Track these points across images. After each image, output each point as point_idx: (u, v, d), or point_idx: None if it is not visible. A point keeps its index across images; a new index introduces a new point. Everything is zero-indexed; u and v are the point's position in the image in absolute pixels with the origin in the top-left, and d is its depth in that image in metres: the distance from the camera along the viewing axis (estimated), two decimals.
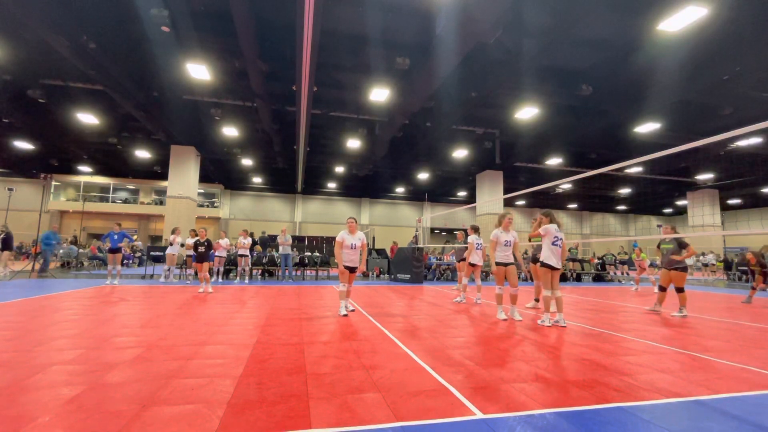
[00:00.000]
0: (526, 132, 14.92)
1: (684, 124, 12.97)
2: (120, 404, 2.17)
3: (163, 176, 22.45)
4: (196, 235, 8.25)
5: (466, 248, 7.19)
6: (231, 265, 11.65)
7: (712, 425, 2.09)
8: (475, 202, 19.05)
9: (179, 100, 12.62)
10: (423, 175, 22.17)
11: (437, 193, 28.32)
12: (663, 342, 4.15)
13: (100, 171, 24.75)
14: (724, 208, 26.77)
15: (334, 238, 5.52)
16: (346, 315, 5.29)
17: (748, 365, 3.29)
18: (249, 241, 10.67)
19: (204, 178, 21.49)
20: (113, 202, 26.77)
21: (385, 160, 18.05)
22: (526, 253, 8.30)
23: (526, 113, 12.08)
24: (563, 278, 13.52)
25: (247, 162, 20.23)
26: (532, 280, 7.20)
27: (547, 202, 30.91)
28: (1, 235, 10.48)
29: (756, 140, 13.93)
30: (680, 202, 27.46)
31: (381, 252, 15.73)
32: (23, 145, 17.85)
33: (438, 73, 9.08)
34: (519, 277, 7.31)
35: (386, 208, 31.56)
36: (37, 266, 10.95)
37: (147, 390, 2.38)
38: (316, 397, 2.34)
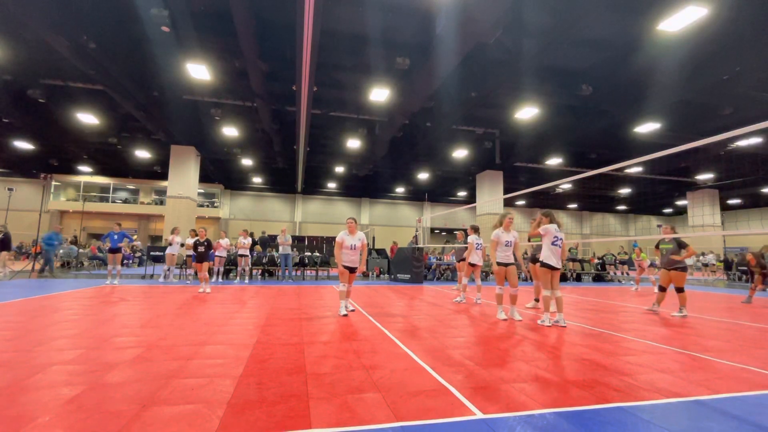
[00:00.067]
0: (526, 132, 14.91)
1: (684, 124, 12.97)
2: (120, 404, 2.17)
3: (163, 176, 22.45)
4: (196, 235, 8.25)
5: (466, 248, 7.20)
6: (231, 265, 11.65)
7: (712, 425, 2.09)
8: (475, 202, 19.05)
9: (179, 100, 12.62)
10: (423, 175, 22.17)
11: (437, 193, 28.32)
12: (663, 342, 4.15)
13: (100, 171, 24.76)
14: (724, 208, 26.77)
15: (334, 238, 5.52)
16: (346, 315, 5.29)
17: (748, 365, 3.29)
18: (249, 241, 10.68)
19: (204, 178, 21.49)
20: (113, 202, 26.78)
21: (385, 160, 18.05)
22: (525, 253, 8.29)
23: (526, 113, 12.08)
24: (563, 278, 13.52)
25: (247, 162, 20.22)
26: (532, 280, 7.20)
27: (547, 202, 30.90)
28: (0, 236, 10.48)
29: (756, 140, 13.93)
30: (680, 202, 27.46)
31: (381, 252, 15.73)
32: (23, 145, 17.85)
33: (438, 73, 9.08)
34: (519, 278, 7.31)
35: (386, 208, 31.56)
36: (38, 266, 10.95)
37: (147, 390, 2.38)
38: (316, 397, 2.34)
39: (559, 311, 4.98)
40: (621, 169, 18.53)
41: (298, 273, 13.01)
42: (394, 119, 12.67)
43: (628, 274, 15.00)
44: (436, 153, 17.23)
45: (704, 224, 22.10)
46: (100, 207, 25.77)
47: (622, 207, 32.65)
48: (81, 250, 15.26)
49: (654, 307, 6.46)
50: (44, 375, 2.62)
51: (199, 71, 9.67)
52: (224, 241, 10.48)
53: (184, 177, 16.07)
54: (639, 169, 19.16)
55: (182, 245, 10.41)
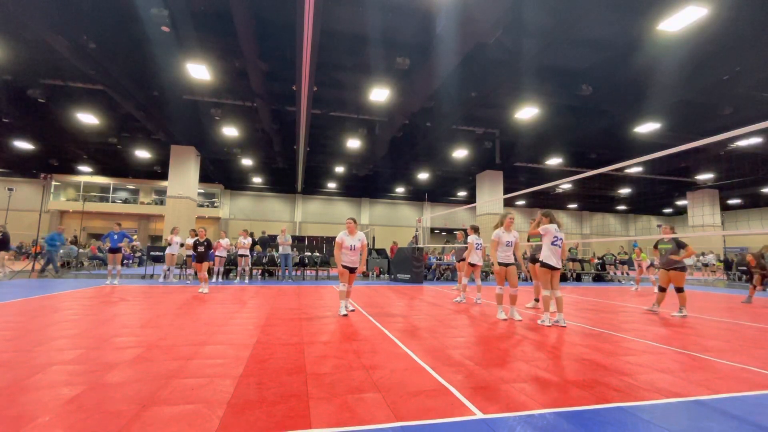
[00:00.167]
0: (526, 132, 14.91)
1: (684, 124, 12.97)
2: (120, 404, 2.17)
3: (163, 176, 22.44)
4: (196, 235, 8.24)
5: (466, 248, 7.20)
6: (231, 265, 11.65)
7: (712, 425, 2.09)
8: (475, 202, 19.05)
9: (179, 100, 12.61)
10: (423, 175, 22.17)
11: (437, 193, 28.32)
12: (663, 342, 4.15)
13: (100, 171, 24.75)
14: (724, 208, 26.77)
15: (334, 238, 5.52)
16: (346, 315, 5.29)
17: (748, 365, 3.29)
18: (249, 241, 10.68)
19: (204, 178, 21.48)
20: (113, 202, 26.77)
21: (385, 160, 18.04)
22: (525, 253, 8.29)
23: (526, 113, 12.07)
24: (563, 278, 13.52)
25: (247, 162, 20.22)
26: (532, 281, 7.20)
27: (547, 202, 30.90)
28: None
29: (756, 140, 13.93)
30: (680, 202, 27.46)
31: (381, 252, 15.73)
32: (23, 145, 17.84)
33: (438, 73, 9.08)
34: (519, 278, 7.31)
35: (386, 208, 31.56)
36: (38, 266, 10.95)
37: (147, 390, 2.38)
38: (316, 397, 2.34)
39: (559, 311, 4.98)
40: (621, 169, 18.53)
41: (298, 273, 13.02)
42: (394, 119, 12.67)
43: (628, 274, 15.00)
44: (436, 153, 17.23)
45: (704, 224, 22.10)
46: (100, 207, 25.77)
47: (622, 207, 32.64)
48: (81, 250, 15.26)
49: (654, 307, 6.46)
50: (44, 375, 2.62)
51: (199, 71, 9.67)
52: (224, 241, 10.48)
53: (184, 177, 16.07)
54: (639, 169, 19.16)
55: (182, 245, 10.41)
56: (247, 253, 10.66)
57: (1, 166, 23.02)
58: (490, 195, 18.33)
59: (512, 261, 5.52)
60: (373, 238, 24.61)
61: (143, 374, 2.68)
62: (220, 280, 10.42)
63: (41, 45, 8.99)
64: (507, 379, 2.76)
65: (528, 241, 6.63)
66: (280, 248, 11.54)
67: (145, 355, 3.15)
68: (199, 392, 2.37)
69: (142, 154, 18.76)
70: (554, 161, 18.10)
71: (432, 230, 32.35)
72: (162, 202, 25.76)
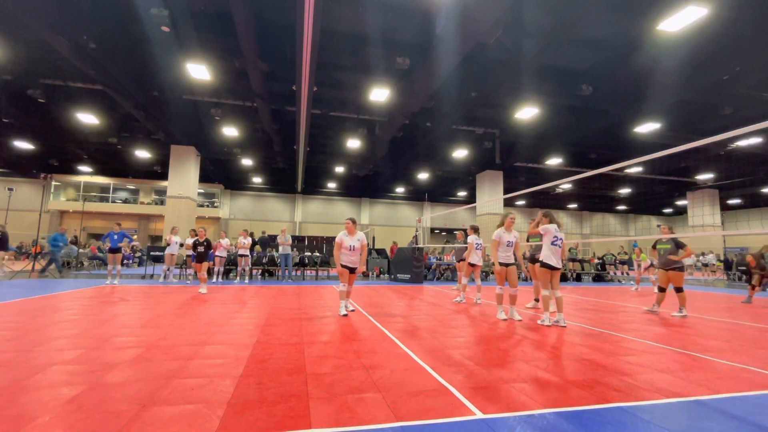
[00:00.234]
0: (526, 132, 14.91)
1: (684, 124, 12.96)
2: (120, 404, 2.17)
3: (163, 176, 22.44)
4: (196, 235, 8.24)
5: (466, 248, 7.20)
6: (231, 265, 11.65)
7: (712, 425, 2.09)
8: (475, 202, 19.05)
9: (179, 100, 12.62)
10: (423, 175, 22.17)
11: (437, 193, 28.32)
12: (663, 342, 4.16)
13: (100, 171, 24.75)
14: (724, 208, 26.76)
15: (334, 238, 5.52)
16: (346, 315, 5.29)
17: (748, 365, 3.29)
18: (249, 241, 10.68)
19: (204, 178, 21.48)
20: (113, 202, 26.77)
21: (385, 160, 18.04)
22: (524, 253, 8.30)
23: (526, 113, 12.07)
24: (563, 278, 13.52)
25: (247, 162, 20.22)
26: (531, 281, 7.21)
27: (547, 202, 30.89)
28: None
29: (756, 140, 13.93)
30: (680, 202, 27.46)
31: (381, 252, 15.73)
32: (23, 145, 17.84)
33: (438, 73, 9.08)
34: (519, 278, 7.31)
35: (386, 208, 31.56)
36: (38, 266, 10.95)
37: (147, 390, 2.38)
38: (316, 397, 2.34)
39: (559, 311, 4.98)
40: (621, 169, 18.53)
41: (298, 273, 13.02)
42: (394, 119, 12.67)
43: (628, 274, 15.00)
44: (436, 153, 17.23)
45: (704, 224, 22.10)
46: (100, 207, 25.77)
47: (622, 207, 32.64)
48: (81, 250, 15.27)
49: (654, 307, 6.46)
50: (44, 375, 2.62)
51: (199, 71, 9.67)
52: (224, 241, 10.48)
53: (184, 177, 16.07)
54: (639, 169, 19.15)
55: (181, 245, 10.42)
56: (247, 253, 10.66)
57: (1, 166, 23.01)
58: (490, 195, 18.33)
59: (512, 261, 5.52)
60: (373, 238, 24.61)
61: (143, 374, 2.68)
62: (220, 280, 10.42)
63: (41, 45, 8.99)
64: (507, 379, 2.76)
65: (527, 241, 6.64)
66: (280, 248, 11.54)
67: (145, 355, 3.15)
68: (199, 392, 2.37)
69: (142, 154, 18.76)
70: (554, 161, 18.10)
71: (432, 230, 32.35)
72: (162, 202, 25.76)
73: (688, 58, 8.98)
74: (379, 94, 10.85)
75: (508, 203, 30.17)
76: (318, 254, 13.91)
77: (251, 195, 29.57)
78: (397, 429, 1.95)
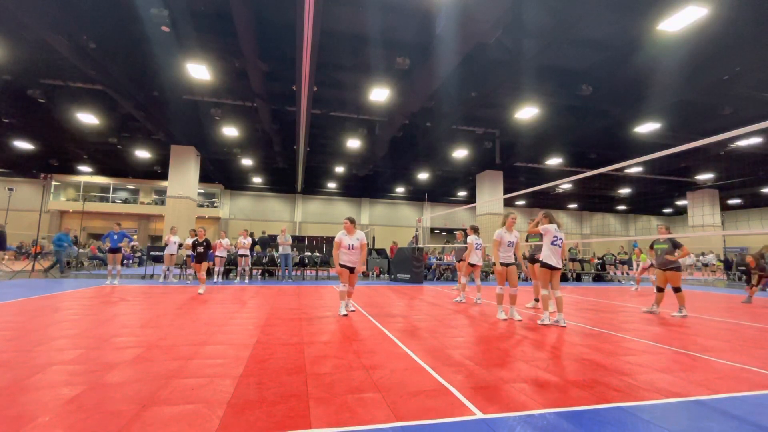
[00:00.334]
0: (526, 132, 14.91)
1: (684, 124, 12.96)
2: (120, 404, 2.17)
3: (163, 176, 22.44)
4: (196, 235, 8.22)
5: (466, 248, 7.20)
6: (231, 265, 11.65)
7: (712, 425, 2.09)
8: (475, 202, 19.04)
9: (179, 100, 12.61)
10: (423, 175, 22.17)
11: (437, 193, 28.31)
12: (663, 342, 4.16)
13: (100, 171, 24.75)
14: (724, 208, 26.76)
15: (334, 238, 5.53)
16: (346, 315, 5.29)
17: (748, 365, 3.29)
18: (249, 241, 10.68)
19: (204, 178, 21.47)
20: (113, 202, 26.77)
21: (385, 160, 18.04)
22: (524, 254, 8.30)
23: (526, 113, 12.07)
24: (563, 278, 13.53)
25: (247, 162, 20.22)
26: (530, 280, 7.21)
27: (547, 202, 30.88)
28: None
29: (756, 140, 13.92)
30: (680, 202, 27.46)
31: (381, 252, 15.73)
32: (23, 145, 17.83)
33: (438, 73, 9.08)
34: (519, 277, 7.32)
35: (386, 208, 31.56)
36: (38, 266, 10.95)
37: (147, 390, 2.38)
38: (316, 397, 2.34)
39: (559, 311, 4.98)
40: (621, 169, 18.53)
41: (298, 273, 13.02)
42: (394, 119, 12.67)
43: (628, 274, 15.00)
44: (436, 153, 17.22)
45: (704, 224, 22.10)
46: (100, 207, 25.76)
47: (622, 207, 32.64)
48: (81, 250, 15.26)
49: (653, 308, 6.46)
50: (44, 375, 2.62)
51: (199, 71, 9.66)
52: (225, 241, 10.48)
53: (184, 177, 16.07)
54: (639, 169, 19.15)
55: (180, 246, 10.42)
56: (247, 253, 10.66)
57: (1, 166, 23.01)
58: (490, 195, 18.33)
59: (513, 261, 5.52)
60: (373, 238, 24.61)
61: (143, 374, 2.68)
62: (220, 280, 10.42)
63: (41, 45, 8.99)
64: (507, 379, 2.76)
65: (527, 240, 6.64)
66: (280, 248, 11.54)
67: (145, 355, 3.15)
68: (199, 392, 2.37)
69: (142, 154, 18.76)
70: (554, 161, 18.10)
71: (432, 230, 32.35)
72: (162, 202, 25.76)
73: (688, 58, 8.98)
74: (379, 94, 10.85)
75: (508, 203, 30.17)
76: (318, 254, 13.91)
77: (251, 195, 29.57)
78: (397, 429, 1.95)
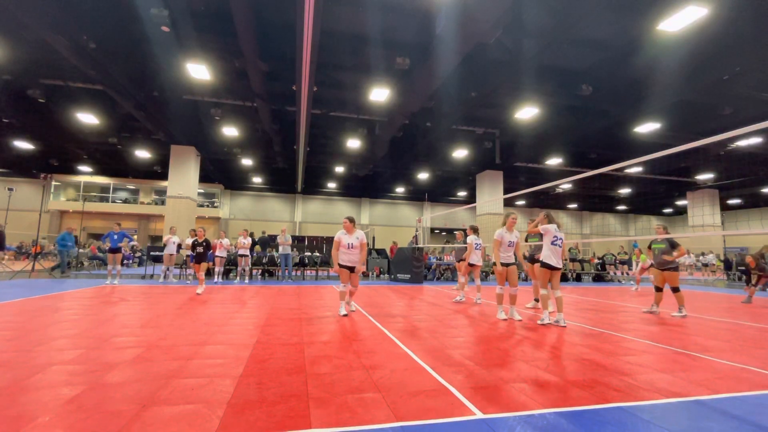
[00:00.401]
0: (526, 132, 14.91)
1: (684, 124, 12.96)
2: (120, 404, 2.17)
3: (163, 176, 22.44)
4: (195, 235, 8.20)
5: (466, 248, 7.20)
6: (231, 265, 11.65)
7: (712, 425, 2.09)
8: (475, 202, 19.05)
9: (179, 100, 12.61)
10: (423, 175, 22.17)
11: (437, 193, 28.31)
12: (663, 342, 4.15)
13: (100, 171, 24.75)
14: (724, 208, 26.76)
15: (333, 238, 5.52)
16: (346, 315, 5.29)
17: (748, 365, 3.29)
18: (249, 241, 10.67)
19: (204, 178, 21.47)
20: (113, 202, 26.77)
21: (385, 160, 18.03)
22: (524, 254, 8.30)
23: (526, 113, 12.07)
24: (563, 278, 13.53)
25: (247, 162, 20.21)
26: (530, 280, 7.21)
27: (547, 202, 30.88)
28: None
29: (756, 140, 13.92)
30: (680, 202, 27.46)
31: (381, 252, 15.73)
32: (23, 145, 17.84)
33: (438, 73, 9.08)
34: (519, 277, 7.32)
35: (386, 208, 31.56)
36: (38, 266, 10.95)
37: (147, 390, 2.38)
38: (316, 397, 2.34)
39: (559, 311, 4.98)
40: (621, 169, 18.53)
41: (298, 273, 13.01)
42: (394, 119, 12.67)
43: (628, 274, 15.00)
44: (436, 153, 17.22)
45: (704, 224, 22.10)
46: (100, 207, 25.77)
47: (622, 207, 32.64)
48: (81, 250, 15.26)
49: (653, 308, 6.46)
50: (44, 375, 2.62)
51: (199, 71, 9.66)
52: (225, 241, 10.47)
53: (184, 177, 16.06)
54: (639, 169, 19.15)
55: (179, 246, 10.42)
56: (247, 253, 10.66)
57: (1, 166, 23.01)
58: (490, 195, 18.33)
59: (513, 261, 5.52)
60: (373, 238, 24.61)
61: (143, 374, 2.68)
62: (220, 280, 10.42)
63: (41, 45, 8.99)
64: (507, 379, 2.76)
65: (526, 240, 6.63)
66: (280, 248, 11.54)
67: (145, 355, 3.15)
68: (199, 392, 2.37)
69: (142, 154, 18.76)
70: (554, 161, 18.10)
71: (432, 230, 32.35)
72: (162, 202, 25.76)
73: (688, 58, 8.98)
74: (379, 94, 10.85)
75: (508, 203, 30.17)
76: (318, 254, 13.91)
77: (251, 195, 29.57)
78: (397, 429, 1.95)
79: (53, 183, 25.50)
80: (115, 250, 9.24)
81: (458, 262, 8.13)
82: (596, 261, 15.51)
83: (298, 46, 7.81)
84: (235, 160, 20.07)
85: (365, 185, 26.95)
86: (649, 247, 6.69)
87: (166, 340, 3.67)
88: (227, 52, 9.50)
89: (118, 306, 5.77)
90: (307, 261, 13.10)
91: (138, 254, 17.78)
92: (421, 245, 11.87)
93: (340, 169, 21.68)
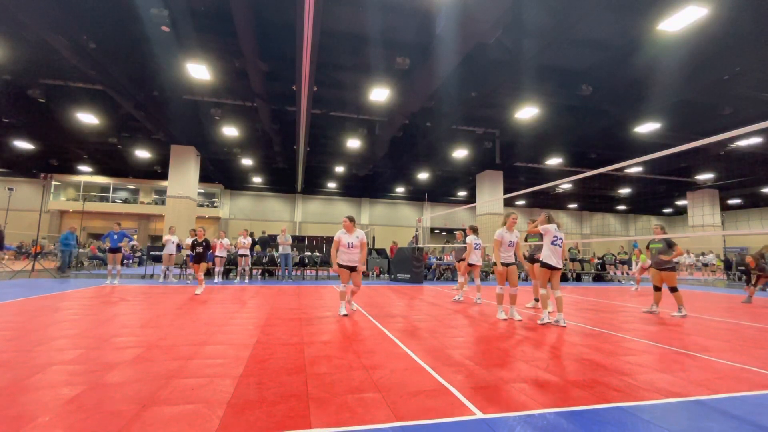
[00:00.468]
0: (526, 132, 14.91)
1: (684, 124, 12.96)
2: (120, 404, 2.17)
3: (163, 176, 22.44)
4: (195, 235, 8.18)
5: (465, 248, 7.20)
6: (231, 265, 11.65)
7: (712, 425, 2.09)
8: (475, 202, 19.04)
9: (179, 100, 12.61)
10: (423, 175, 22.17)
11: (437, 193, 28.32)
12: (663, 342, 4.15)
13: (100, 171, 24.75)
14: (724, 208, 26.76)
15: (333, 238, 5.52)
16: (346, 315, 5.28)
17: (748, 365, 3.29)
18: (249, 240, 10.67)
19: (204, 178, 21.47)
20: (113, 201, 26.77)
21: (385, 160, 18.04)
22: (524, 254, 8.30)
23: (526, 113, 12.07)
24: (563, 278, 13.53)
25: (247, 162, 20.22)
26: (530, 280, 7.21)
27: (547, 202, 30.88)
28: None
29: (756, 140, 13.92)
30: (680, 202, 27.46)
31: (381, 252, 15.73)
32: (23, 145, 17.84)
33: (438, 73, 9.08)
34: (519, 277, 7.32)
35: (386, 208, 31.56)
36: (38, 266, 10.95)
37: (147, 390, 2.38)
38: (316, 397, 2.34)
39: (559, 311, 4.98)
40: (621, 169, 18.53)
41: (298, 273, 13.01)
42: (394, 119, 12.67)
43: (628, 274, 15.00)
44: (436, 153, 17.22)
45: (704, 224, 22.09)
46: (100, 207, 25.76)
47: (622, 207, 32.64)
48: (81, 250, 15.26)
49: (653, 308, 6.46)
50: (44, 375, 2.62)
51: (199, 71, 9.66)
52: (225, 241, 10.47)
53: (184, 177, 16.06)
54: (639, 169, 19.15)
55: (178, 246, 10.41)
56: (247, 253, 10.66)
57: (1, 166, 23.01)
58: (490, 195, 18.33)
59: (513, 261, 5.52)
60: (373, 238, 24.61)
61: (143, 374, 2.68)
62: (220, 280, 10.41)
63: (41, 45, 8.99)
64: (507, 379, 2.76)
65: (525, 240, 6.63)
66: (280, 248, 11.54)
67: (145, 355, 3.15)
68: (199, 392, 2.37)
69: (142, 154, 18.76)
70: (554, 161, 18.10)
71: (432, 230, 32.35)
72: (162, 202, 25.76)
73: (688, 58, 8.98)
74: (379, 94, 10.85)
75: (508, 203, 30.17)
76: (318, 254, 13.91)
77: (251, 195, 29.57)
78: (397, 429, 1.95)
79: (53, 183, 25.50)
80: (115, 250, 9.24)
81: (458, 262, 8.13)
82: (596, 261, 15.51)
83: (298, 46, 7.81)
84: (235, 160, 20.07)
85: (365, 185, 26.96)
86: (648, 247, 6.70)
87: (166, 340, 3.67)
88: (227, 52, 9.50)
89: (118, 306, 5.77)
90: (307, 261, 13.10)
91: (138, 254, 17.78)
92: (421, 245, 11.87)
93: (340, 169, 21.68)
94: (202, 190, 26.81)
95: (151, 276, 11.28)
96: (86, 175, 25.56)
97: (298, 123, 12.43)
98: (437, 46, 8.26)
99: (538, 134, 14.91)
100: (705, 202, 22.31)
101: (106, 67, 9.50)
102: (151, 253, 13.80)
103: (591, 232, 34.96)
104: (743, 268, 14.73)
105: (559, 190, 25.46)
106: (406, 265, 11.85)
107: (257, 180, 26.87)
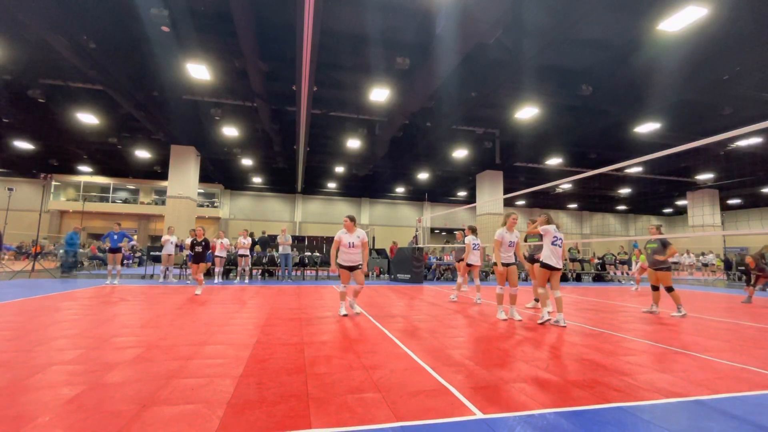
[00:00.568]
0: (526, 132, 14.91)
1: (684, 124, 12.97)
2: (120, 404, 2.17)
3: (163, 176, 22.44)
4: (195, 235, 8.15)
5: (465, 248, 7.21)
6: (231, 265, 11.65)
7: (712, 425, 2.09)
8: (475, 202, 19.05)
9: (179, 100, 12.61)
10: (423, 175, 22.17)
11: (437, 193, 28.32)
12: (663, 342, 4.15)
13: (100, 171, 24.74)
14: (724, 208, 26.76)
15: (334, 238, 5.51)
16: (346, 315, 5.28)
17: (748, 365, 3.29)
18: (249, 240, 10.67)
19: (204, 178, 21.47)
20: (113, 202, 26.77)
21: (385, 160, 18.03)
22: (524, 254, 8.31)
23: (526, 113, 12.07)
24: (563, 278, 13.53)
25: (247, 162, 20.22)
26: (530, 280, 7.21)
27: (547, 202, 30.88)
28: None
29: (756, 140, 13.93)
30: (680, 202, 27.46)
31: (381, 252, 15.73)
32: (23, 145, 17.84)
33: (438, 73, 9.08)
34: (519, 277, 7.32)
35: (386, 208, 31.56)
36: (38, 266, 10.94)
37: (147, 390, 2.38)
38: (316, 396, 2.34)
39: (558, 311, 4.98)
40: (621, 169, 18.53)
41: (298, 273, 13.01)
42: (394, 119, 12.67)
43: (627, 274, 15.00)
44: (436, 153, 17.23)
45: (704, 224, 22.10)
46: (100, 207, 25.76)
47: (622, 207, 32.64)
48: (81, 250, 15.25)
49: (653, 308, 6.46)
50: (44, 375, 2.62)
51: (199, 71, 9.66)
52: (225, 241, 10.46)
53: (184, 177, 16.06)
54: (639, 169, 19.15)
55: (178, 247, 10.41)
56: (247, 253, 10.65)
57: (1, 166, 23.01)
58: (490, 195, 18.33)
59: (513, 261, 5.52)
60: (373, 238, 24.60)
61: (143, 374, 2.68)
62: (220, 280, 10.41)
63: (41, 45, 8.99)
64: (507, 379, 2.76)
65: (525, 241, 6.63)
66: (280, 248, 11.54)
67: (145, 355, 3.15)
68: (199, 392, 2.37)
69: (142, 154, 18.76)
70: (554, 161, 18.10)
71: (432, 230, 32.35)
72: (162, 202, 25.76)
73: (688, 58, 8.98)
74: (379, 94, 10.85)
75: (508, 203, 30.17)
76: (318, 254, 13.91)
77: (251, 195, 29.57)
78: (397, 429, 1.95)
79: (53, 183, 25.50)
80: (115, 250, 9.24)
81: (458, 262, 8.14)
82: (596, 261, 15.51)
83: (298, 46, 7.81)
84: (235, 160, 20.07)
85: (365, 185, 26.95)
86: (645, 247, 6.71)
87: (166, 340, 3.67)
88: (227, 52, 9.50)
89: (118, 306, 5.77)
90: (307, 261, 13.10)
91: (138, 254, 17.78)
92: (421, 245, 11.87)
93: (340, 169, 21.68)
94: (202, 190, 26.81)
95: (151, 276, 11.28)
96: (86, 175, 25.56)
97: (298, 123, 12.43)
98: (437, 46, 8.26)
99: (538, 134, 14.91)
100: (705, 202, 22.31)
101: (106, 67, 9.50)
102: (151, 253, 13.79)
103: (591, 232, 34.96)
104: (743, 268, 14.74)
105: (559, 190, 25.47)
106: (406, 265, 11.85)
107: (257, 180, 26.87)
